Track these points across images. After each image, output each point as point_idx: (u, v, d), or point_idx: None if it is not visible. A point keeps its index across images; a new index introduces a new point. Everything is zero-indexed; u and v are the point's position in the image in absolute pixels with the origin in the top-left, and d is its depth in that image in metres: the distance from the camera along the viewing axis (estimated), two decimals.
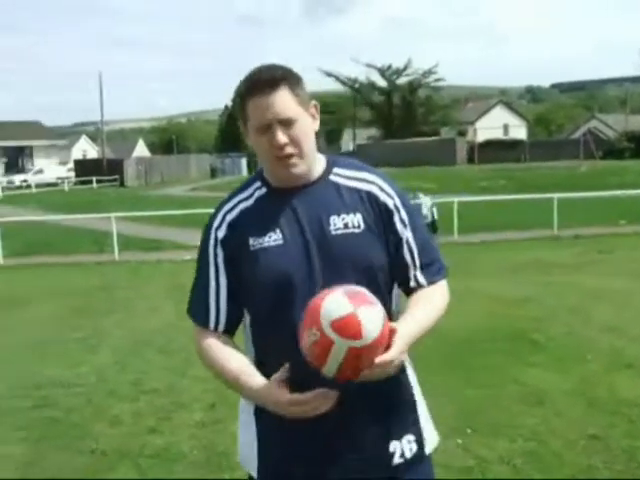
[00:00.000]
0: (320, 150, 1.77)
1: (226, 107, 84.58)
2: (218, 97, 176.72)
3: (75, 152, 68.99)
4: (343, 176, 1.76)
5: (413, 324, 1.63)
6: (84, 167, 49.34)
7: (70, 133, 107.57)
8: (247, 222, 1.73)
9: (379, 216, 1.72)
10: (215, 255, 1.74)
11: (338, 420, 1.61)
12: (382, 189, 1.75)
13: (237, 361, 1.68)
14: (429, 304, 1.72)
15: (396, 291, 1.80)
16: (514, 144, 50.89)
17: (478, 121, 60.35)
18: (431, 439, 1.81)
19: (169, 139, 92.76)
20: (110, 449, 4.04)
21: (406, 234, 1.74)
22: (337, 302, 1.46)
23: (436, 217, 13.86)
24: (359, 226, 1.70)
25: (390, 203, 1.74)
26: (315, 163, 1.74)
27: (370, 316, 1.46)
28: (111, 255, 13.68)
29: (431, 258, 1.78)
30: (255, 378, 1.63)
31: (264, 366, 1.68)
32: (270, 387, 1.59)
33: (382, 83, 61.29)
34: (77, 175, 48.48)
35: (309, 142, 1.69)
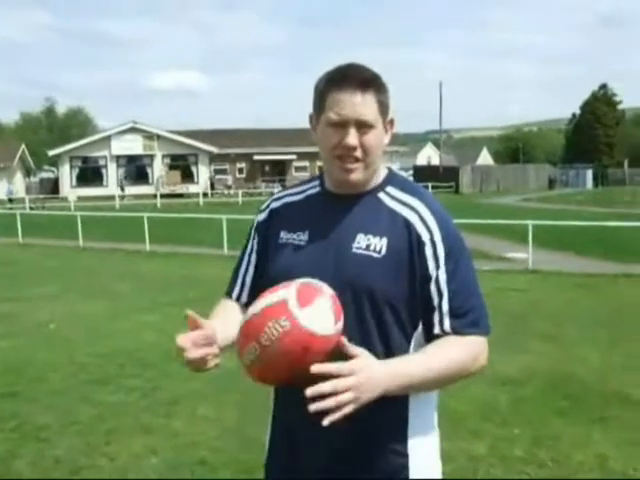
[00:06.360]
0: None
1: (573, 115, 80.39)
2: (571, 104, 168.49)
3: (420, 158, 72.80)
4: (391, 196, 1.67)
5: (405, 362, 1.50)
6: (422, 172, 51.83)
7: (421, 140, 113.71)
8: (286, 215, 1.75)
9: (409, 247, 1.59)
10: (253, 237, 1.82)
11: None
12: (422, 219, 1.61)
13: (221, 315, 1.72)
14: (442, 351, 1.53)
15: (417, 339, 1.62)
16: None
17: None
18: (421, 467, 1.63)
19: (515, 148, 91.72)
20: None
21: (437, 273, 1.57)
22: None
23: None
24: (380, 251, 1.59)
25: (425, 236, 1.59)
26: (375, 176, 1.68)
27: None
28: None
29: (468, 307, 1.58)
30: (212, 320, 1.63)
31: None
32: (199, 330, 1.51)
33: None
34: (415, 180, 51.03)
35: (377, 153, 1.62)
